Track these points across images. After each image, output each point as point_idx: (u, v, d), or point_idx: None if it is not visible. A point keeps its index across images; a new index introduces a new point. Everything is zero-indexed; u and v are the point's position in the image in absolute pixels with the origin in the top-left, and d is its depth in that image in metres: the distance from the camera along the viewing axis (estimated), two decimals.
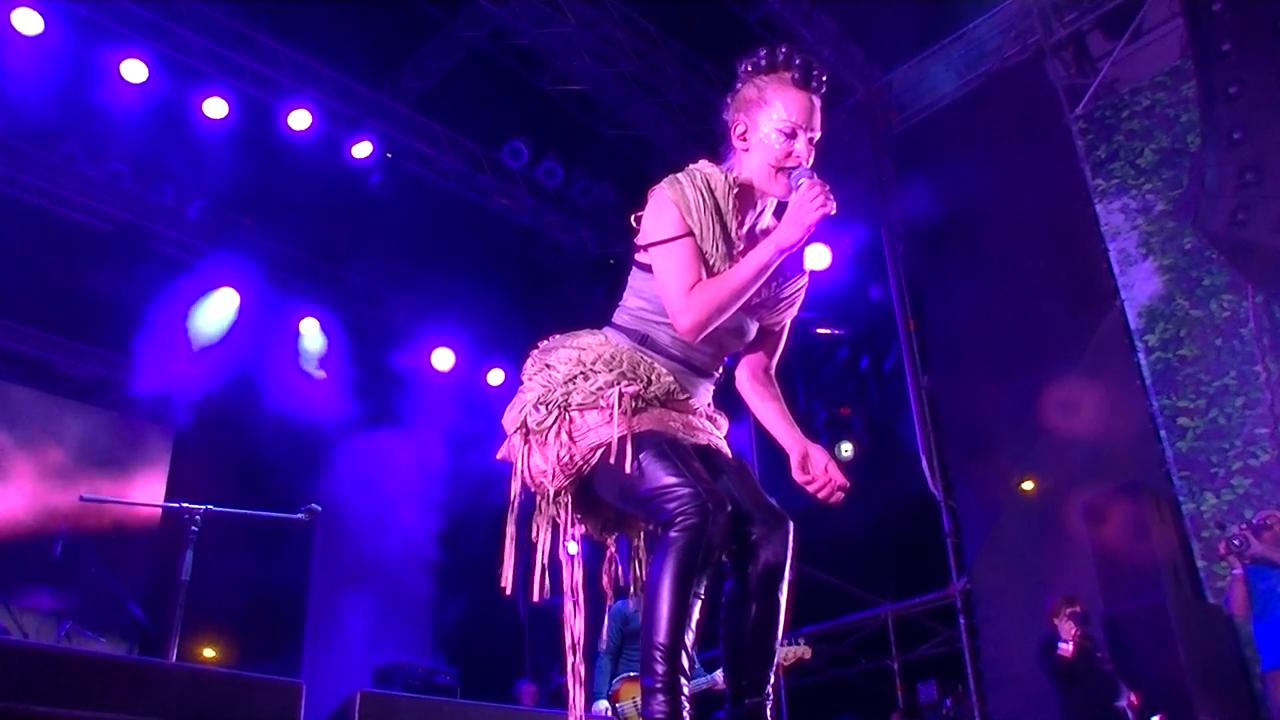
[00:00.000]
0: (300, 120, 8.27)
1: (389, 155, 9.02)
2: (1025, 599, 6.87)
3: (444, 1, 8.43)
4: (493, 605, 10.08)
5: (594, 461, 2.27)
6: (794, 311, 2.51)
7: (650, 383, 2.31)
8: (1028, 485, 7.45)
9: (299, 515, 4.50)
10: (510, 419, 2.40)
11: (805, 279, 2.50)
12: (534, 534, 2.33)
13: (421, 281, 9.75)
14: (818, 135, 2.32)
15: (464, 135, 9.50)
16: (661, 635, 2.10)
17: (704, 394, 2.45)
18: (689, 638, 2.12)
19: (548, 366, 2.36)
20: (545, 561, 2.30)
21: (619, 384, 2.27)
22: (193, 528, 4.11)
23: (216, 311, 8.91)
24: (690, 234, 2.27)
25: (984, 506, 7.70)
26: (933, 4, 8.26)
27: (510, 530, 2.34)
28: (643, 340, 2.36)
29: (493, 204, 9.88)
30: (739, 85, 2.39)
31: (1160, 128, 7.16)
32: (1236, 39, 5.48)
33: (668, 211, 2.29)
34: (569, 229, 10.40)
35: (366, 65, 8.73)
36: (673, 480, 2.17)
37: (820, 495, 2.34)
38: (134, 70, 7.55)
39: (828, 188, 2.20)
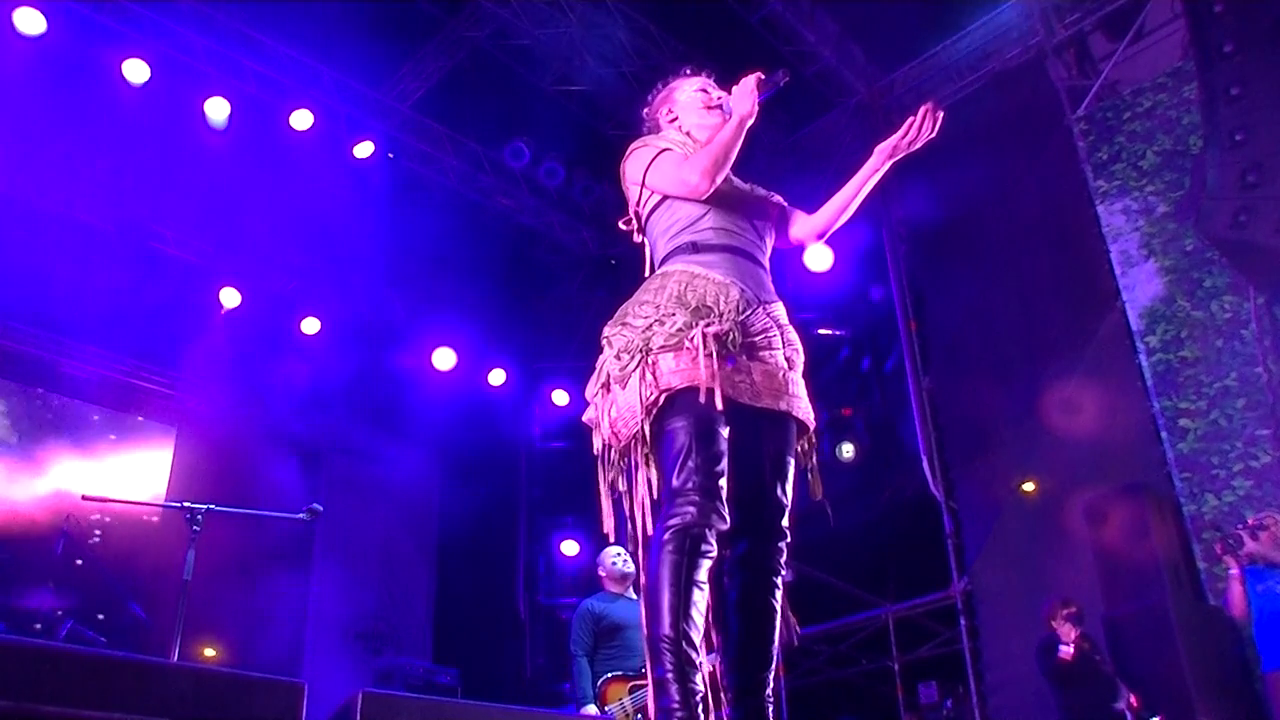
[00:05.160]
0: (302, 120, 8.26)
1: (390, 155, 9.02)
2: (1026, 600, 6.86)
3: (445, 1, 8.43)
4: (493, 605, 10.08)
5: (662, 406, 2.30)
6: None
7: (723, 312, 2.35)
8: (1029, 486, 7.45)
9: (300, 515, 4.50)
10: (592, 383, 2.49)
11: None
12: (606, 487, 2.41)
13: (422, 281, 9.75)
14: (724, 94, 2.67)
15: (465, 135, 9.49)
16: (665, 627, 2.14)
17: (765, 285, 2.53)
18: (692, 627, 2.16)
19: (624, 324, 2.43)
20: (625, 507, 2.40)
21: (698, 324, 2.31)
22: (194, 527, 4.11)
23: (217, 310, 8.91)
24: (669, 149, 2.60)
25: (985, 507, 7.70)
26: (934, 5, 8.26)
27: (602, 480, 2.43)
28: (693, 249, 2.48)
29: (494, 204, 9.88)
30: (646, 110, 2.87)
31: (1162, 129, 7.16)
32: (1238, 40, 5.48)
33: (642, 150, 2.64)
34: (570, 229, 10.40)
35: (368, 65, 8.72)
36: (685, 475, 2.21)
37: (925, 129, 2.54)
38: (135, 70, 7.55)
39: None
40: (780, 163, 9.08)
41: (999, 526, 7.55)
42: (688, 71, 2.83)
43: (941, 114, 2.53)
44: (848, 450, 9.00)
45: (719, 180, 2.48)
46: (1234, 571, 5.25)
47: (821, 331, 9.36)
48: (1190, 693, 5.55)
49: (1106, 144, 7.41)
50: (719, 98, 2.70)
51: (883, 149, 2.59)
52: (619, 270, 10.26)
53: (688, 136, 2.70)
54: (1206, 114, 5.94)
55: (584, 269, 10.78)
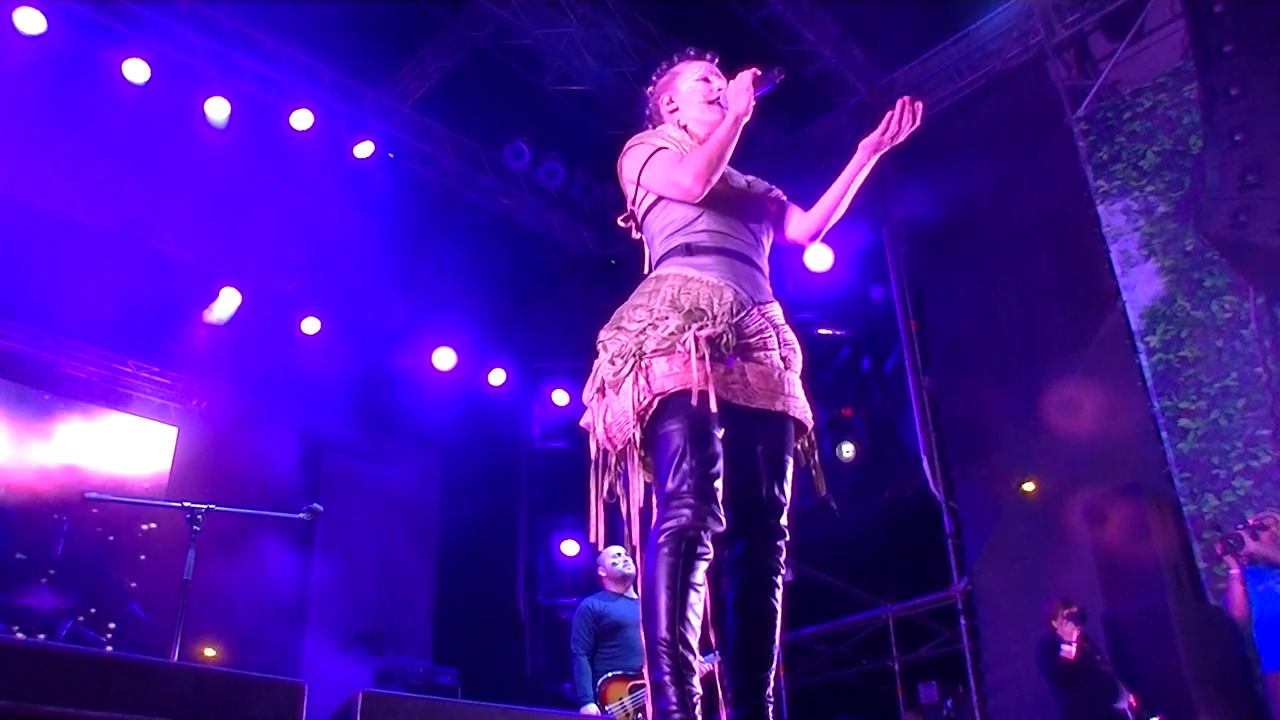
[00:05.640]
0: (302, 120, 8.26)
1: (390, 155, 9.01)
2: (1026, 600, 6.87)
3: (445, 1, 8.43)
4: (493, 605, 10.09)
5: (656, 409, 2.31)
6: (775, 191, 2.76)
7: (716, 315, 2.35)
8: (1029, 486, 7.45)
9: (300, 514, 4.50)
10: (588, 388, 2.49)
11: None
12: (599, 491, 2.42)
13: (421, 281, 9.75)
14: (726, 84, 2.60)
15: (465, 135, 9.49)
16: (662, 630, 2.15)
17: (760, 286, 2.51)
18: (688, 629, 2.16)
19: (618, 329, 2.43)
20: (612, 512, 2.42)
21: (690, 327, 2.31)
22: (194, 527, 4.10)
23: (217, 311, 8.91)
24: (664, 148, 2.58)
25: (985, 507, 7.70)
26: (934, 4, 8.26)
27: (594, 485, 2.44)
28: (687, 251, 2.47)
29: (494, 204, 9.88)
30: (650, 90, 2.83)
31: (1162, 129, 7.16)
32: (1238, 40, 5.49)
33: (638, 147, 2.62)
34: (570, 229, 10.40)
35: (368, 65, 8.72)
36: (679, 478, 2.21)
37: (905, 122, 2.50)
38: (136, 70, 7.55)
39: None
40: (780, 163, 9.07)
41: (999, 526, 7.56)
42: (691, 54, 2.78)
43: (921, 106, 2.52)
44: (848, 450, 8.99)
45: (714, 181, 2.47)
46: (1234, 571, 5.25)
47: (821, 331, 9.36)
48: (1190, 693, 5.55)
49: (1106, 144, 7.40)
50: (719, 89, 2.67)
51: (867, 144, 2.58)
52: (619, 270, 10.27)
53: (685, 131, 2.68)
54: (1206, 114, 5.95)
55: (584, 269, 10.78)
